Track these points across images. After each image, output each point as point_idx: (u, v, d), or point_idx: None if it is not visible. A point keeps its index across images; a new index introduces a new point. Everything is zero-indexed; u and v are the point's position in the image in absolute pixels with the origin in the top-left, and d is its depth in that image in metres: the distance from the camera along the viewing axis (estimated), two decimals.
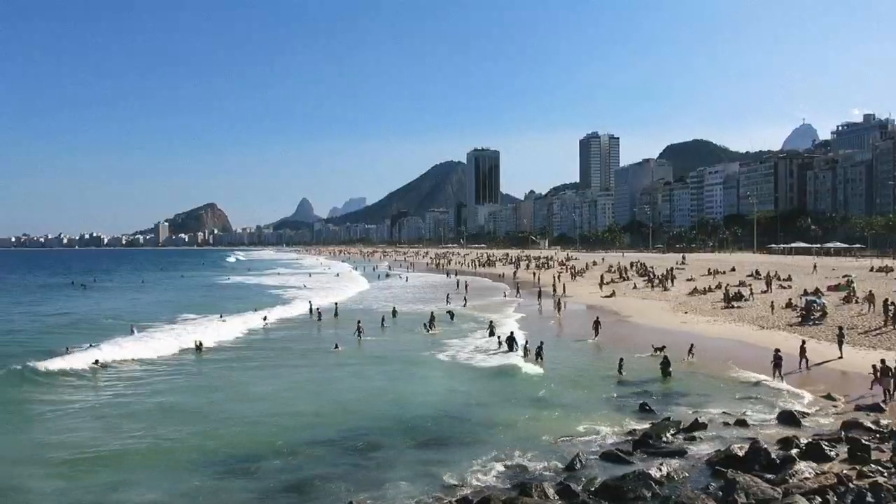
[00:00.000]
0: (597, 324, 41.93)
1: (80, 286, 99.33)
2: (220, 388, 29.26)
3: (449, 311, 54.07)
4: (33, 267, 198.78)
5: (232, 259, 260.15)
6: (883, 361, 25.02)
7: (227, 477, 17.90)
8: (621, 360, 30.77)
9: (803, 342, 31.15)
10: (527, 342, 36.39)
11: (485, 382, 29.61)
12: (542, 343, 34.53)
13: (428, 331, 45.57)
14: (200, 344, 39.33)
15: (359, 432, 21.57)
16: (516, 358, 34.20)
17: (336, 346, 39.08)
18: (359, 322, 44.66)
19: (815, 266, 74.40)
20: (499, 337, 39.49)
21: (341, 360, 36.03)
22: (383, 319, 50.29)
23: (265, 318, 52.05)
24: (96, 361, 33.33)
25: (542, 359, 33.12)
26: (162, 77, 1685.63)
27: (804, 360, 29.79)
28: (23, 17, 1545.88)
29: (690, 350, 33.30)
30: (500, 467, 17.96)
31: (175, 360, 36.49)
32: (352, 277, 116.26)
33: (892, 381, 24.07)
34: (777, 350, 29.11)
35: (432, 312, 50.02)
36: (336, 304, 59.79)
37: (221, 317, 53.01)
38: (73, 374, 31.38)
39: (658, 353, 32.50)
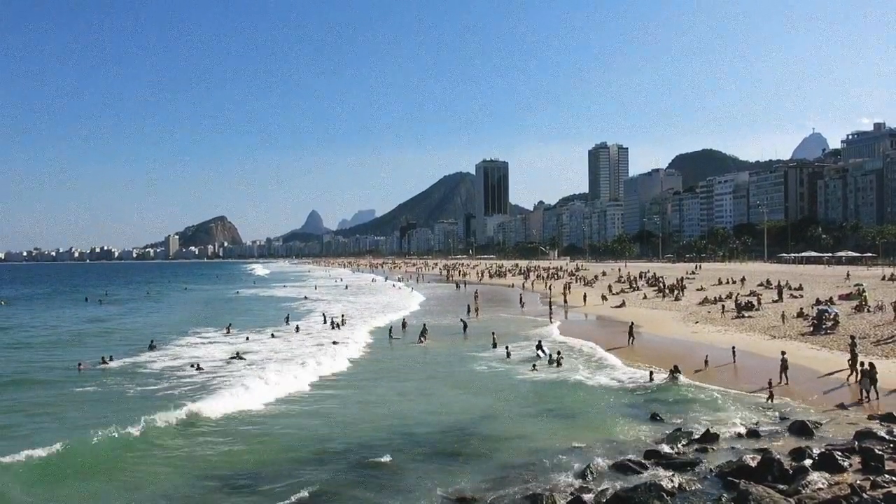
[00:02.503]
0: (631, 330, 42.21)
1: (97, 301, 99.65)
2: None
3: (462, 320, 53.95)
4: (51, 281, 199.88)
5: (264, 271, 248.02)
6: (862, 364, 26.84)
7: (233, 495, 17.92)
8: (651, 371, 31.09)
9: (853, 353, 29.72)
10: (549, 353, 36.60)
11: (497, 393, 29.54)
12: (559, 352, 34.88)
13: (420, 342, 45.82)
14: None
15: (367, 447, 21.48)
16: (540, 366, 34.47)
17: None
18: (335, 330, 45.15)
19: (847, 274, 73.52)
20: (507, 347, 39.50)
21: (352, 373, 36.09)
22: (390, 331, 50.54)
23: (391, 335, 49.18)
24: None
25: (560, 365, 34.06)
26: (171, 91, 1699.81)
27: (855, 375, 28.29)
28: (32, 27, 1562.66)
29: (734, 353, 34.58)
30: (511, 478, 17.92)
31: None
32: (404, 290, 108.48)
33: (868, 381, 25.59)
34: (783, 353, 29.94)
35: (424, 324, 50.42)
36: (342, 315, 60.14)
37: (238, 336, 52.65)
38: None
39: (706, 366, 33.05)
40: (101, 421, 23.55)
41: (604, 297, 71.27)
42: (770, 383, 27.48)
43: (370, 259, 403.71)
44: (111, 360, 38.41)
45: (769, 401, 25.84)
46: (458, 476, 18.25)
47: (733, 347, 35.36)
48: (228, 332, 52.46)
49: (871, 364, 26.57)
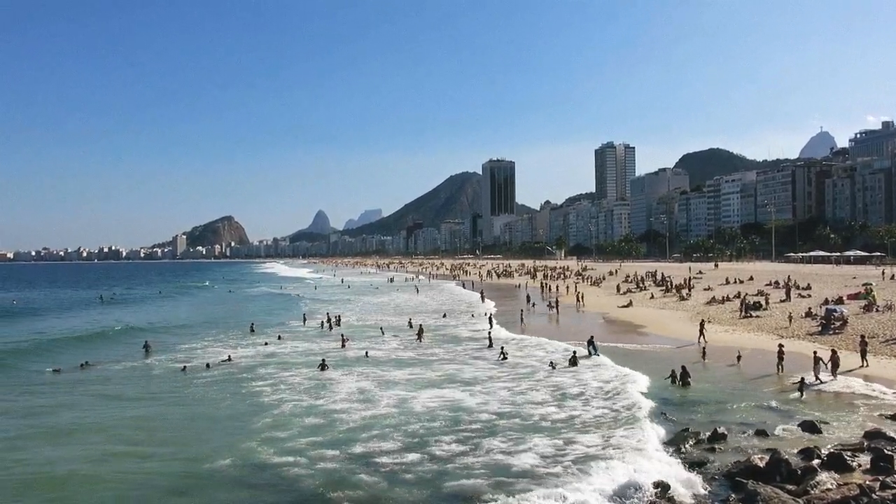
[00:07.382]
0: (702, 326, 41.58)
1: (99, 299, 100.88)
2: (226, 400, 29.26)
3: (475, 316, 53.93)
4: (62, 281, 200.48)
5: (306, 273, 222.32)
6: (815, 352, 29.70)
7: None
8: (673, 370, 30.71)
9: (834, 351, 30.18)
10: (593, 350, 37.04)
11: (504, 393, 29.49)
12: (574, 352, 35.00)
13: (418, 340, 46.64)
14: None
15: (369, 444, 21.49)
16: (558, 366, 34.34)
17: (366, 355, 40.19)
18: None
19: (883, 273, 72.60)
20: (502, 349, 39.33)
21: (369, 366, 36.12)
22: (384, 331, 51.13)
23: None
24: None
25: (575, 364, 34.04)
26: (177, 91, 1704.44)
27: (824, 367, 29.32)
28: (37, 27, 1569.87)
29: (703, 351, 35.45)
30: (512, 478, 17.85)
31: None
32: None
33: (818, 367, 28.69)
34: (780, 346, 31.87)
35: (420, 325, 51.19)
36: (339, 315, 60.99)
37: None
38: None
39: (738, 362, 33.71)
40: None
41: (618, 289, 70.13)
42: (780, 364, 30.73)
43: (377, 259, 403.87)
44: (86, 364, 38.18)
45: (801, 394, 26.64)
46: (458, 475, 18.22)
47: (701, 345, 36.96)
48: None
49: (833, 351, 29.74)
